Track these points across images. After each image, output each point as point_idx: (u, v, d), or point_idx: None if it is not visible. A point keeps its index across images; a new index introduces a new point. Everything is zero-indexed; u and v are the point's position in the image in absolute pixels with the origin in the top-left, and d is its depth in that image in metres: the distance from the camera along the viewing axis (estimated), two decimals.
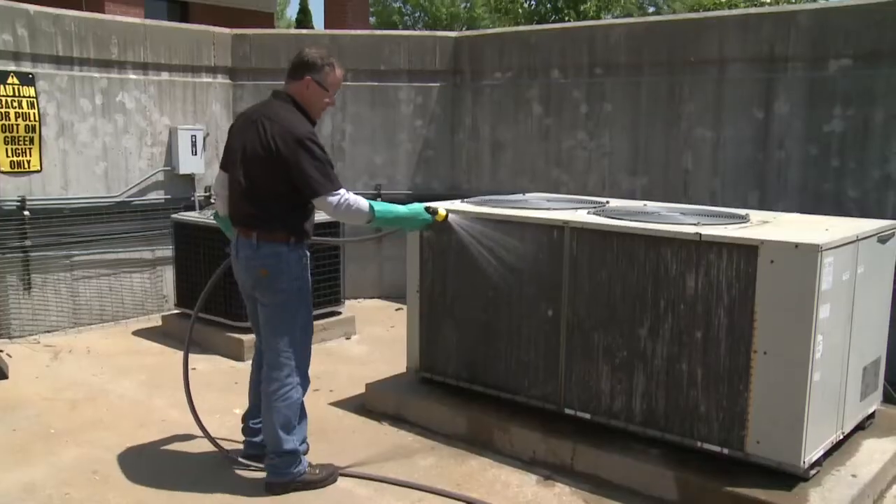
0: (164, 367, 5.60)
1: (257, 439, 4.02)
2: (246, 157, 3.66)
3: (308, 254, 3.82)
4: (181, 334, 5.83)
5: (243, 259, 3.72)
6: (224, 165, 3.88)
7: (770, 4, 17.35)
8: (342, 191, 3.62)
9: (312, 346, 3.91)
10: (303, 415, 3.88)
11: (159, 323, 6.77)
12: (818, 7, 6.05)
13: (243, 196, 3.67)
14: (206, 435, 4.12)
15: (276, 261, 3.65)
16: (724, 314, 3.57)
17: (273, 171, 3.60)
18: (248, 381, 4.12)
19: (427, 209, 3.92)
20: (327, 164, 3.61)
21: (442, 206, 3.99)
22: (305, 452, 3.97)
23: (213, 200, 5.20)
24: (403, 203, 4.05)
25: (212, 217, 4.62)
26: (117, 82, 6.80)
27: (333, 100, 3.87)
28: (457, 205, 4.64)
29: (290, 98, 3.75)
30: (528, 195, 5.35)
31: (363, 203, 3.66)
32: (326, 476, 3.87)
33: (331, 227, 5.99)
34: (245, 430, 4.11)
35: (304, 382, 3.85)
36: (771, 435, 3.48)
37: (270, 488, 3.78)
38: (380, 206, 3.76)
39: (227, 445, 4.18)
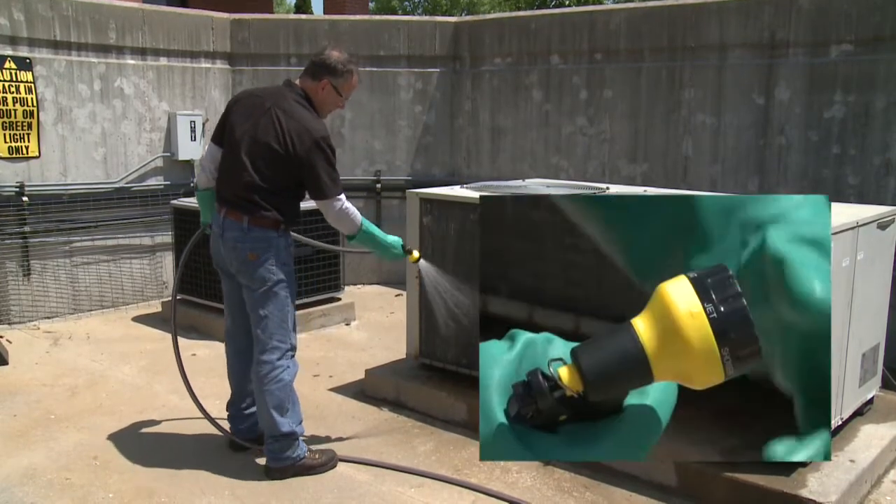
0: (164, 353, 5.60)
1: (244, 426, 4.05)
2: (256, 146, 3.64)
3: (292, 241, 3.87)
4: (181, 321, 5.83)
5: (230, 240, 3.71)
6: (219, 140, 3.84)
7: None
8: (343, 196, 3.73)
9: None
10: (294, 397, 3.88)
11: (159, 309, 6.79)
12: None
13: (246, 186, 3.65)
14: (205, 414, 4.12)
15: (266, 245, 3.68)
16: None
17: (284, 167, 3.64)
18: (227, 367, 4.09)
19: (403, 247, 3.97)
20: (335, 167, 3.70)
21: (416, 251, 4.11)
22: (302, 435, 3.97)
23: (196, 173, 5.16)
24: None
25: None
26: (115, 67, 6.77)
27: (344, 105, 3.96)
28: (456, 190, 4.64)
29: (304, 93, 3.77)
30: (527, 181, 5.35)
31: (358, 215, 3.80)
32: (326, 461, 3.89)
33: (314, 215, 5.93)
34: (230, 419, 4.10)
35: (293, 365, 3.85)
36: None
37: (270, 473, 3.80)
38: (368, 225, 3.85)
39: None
